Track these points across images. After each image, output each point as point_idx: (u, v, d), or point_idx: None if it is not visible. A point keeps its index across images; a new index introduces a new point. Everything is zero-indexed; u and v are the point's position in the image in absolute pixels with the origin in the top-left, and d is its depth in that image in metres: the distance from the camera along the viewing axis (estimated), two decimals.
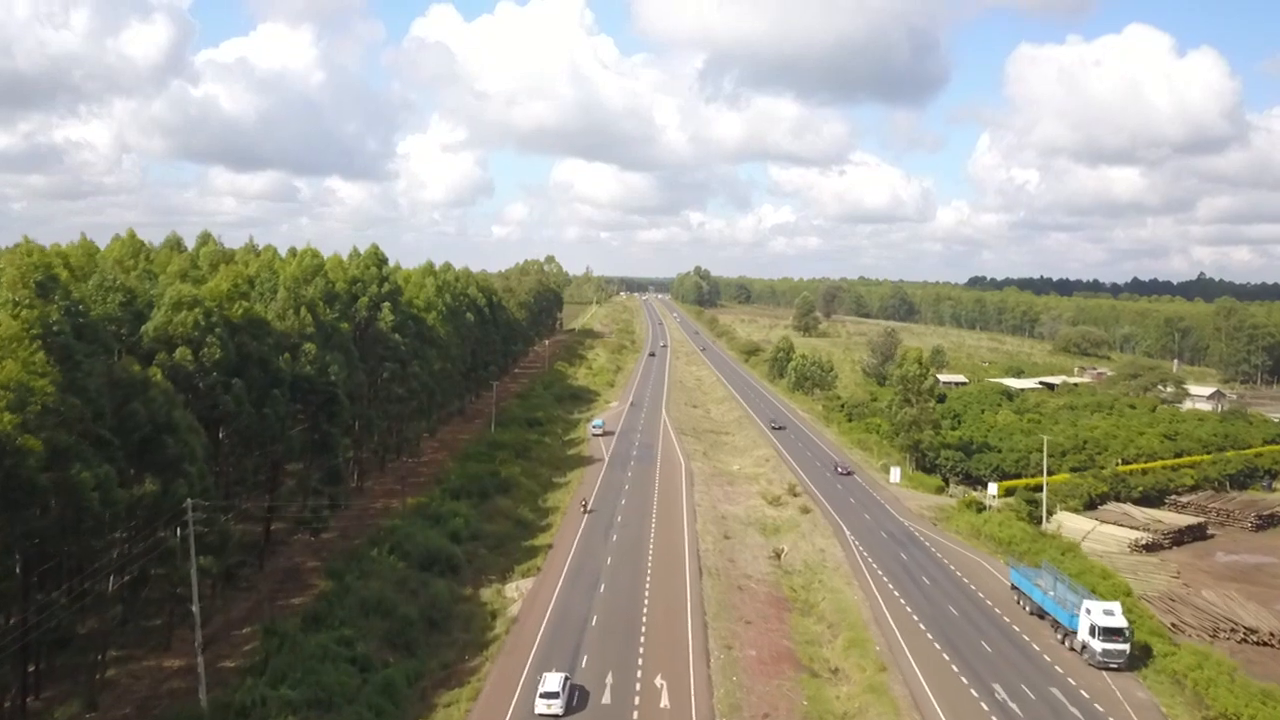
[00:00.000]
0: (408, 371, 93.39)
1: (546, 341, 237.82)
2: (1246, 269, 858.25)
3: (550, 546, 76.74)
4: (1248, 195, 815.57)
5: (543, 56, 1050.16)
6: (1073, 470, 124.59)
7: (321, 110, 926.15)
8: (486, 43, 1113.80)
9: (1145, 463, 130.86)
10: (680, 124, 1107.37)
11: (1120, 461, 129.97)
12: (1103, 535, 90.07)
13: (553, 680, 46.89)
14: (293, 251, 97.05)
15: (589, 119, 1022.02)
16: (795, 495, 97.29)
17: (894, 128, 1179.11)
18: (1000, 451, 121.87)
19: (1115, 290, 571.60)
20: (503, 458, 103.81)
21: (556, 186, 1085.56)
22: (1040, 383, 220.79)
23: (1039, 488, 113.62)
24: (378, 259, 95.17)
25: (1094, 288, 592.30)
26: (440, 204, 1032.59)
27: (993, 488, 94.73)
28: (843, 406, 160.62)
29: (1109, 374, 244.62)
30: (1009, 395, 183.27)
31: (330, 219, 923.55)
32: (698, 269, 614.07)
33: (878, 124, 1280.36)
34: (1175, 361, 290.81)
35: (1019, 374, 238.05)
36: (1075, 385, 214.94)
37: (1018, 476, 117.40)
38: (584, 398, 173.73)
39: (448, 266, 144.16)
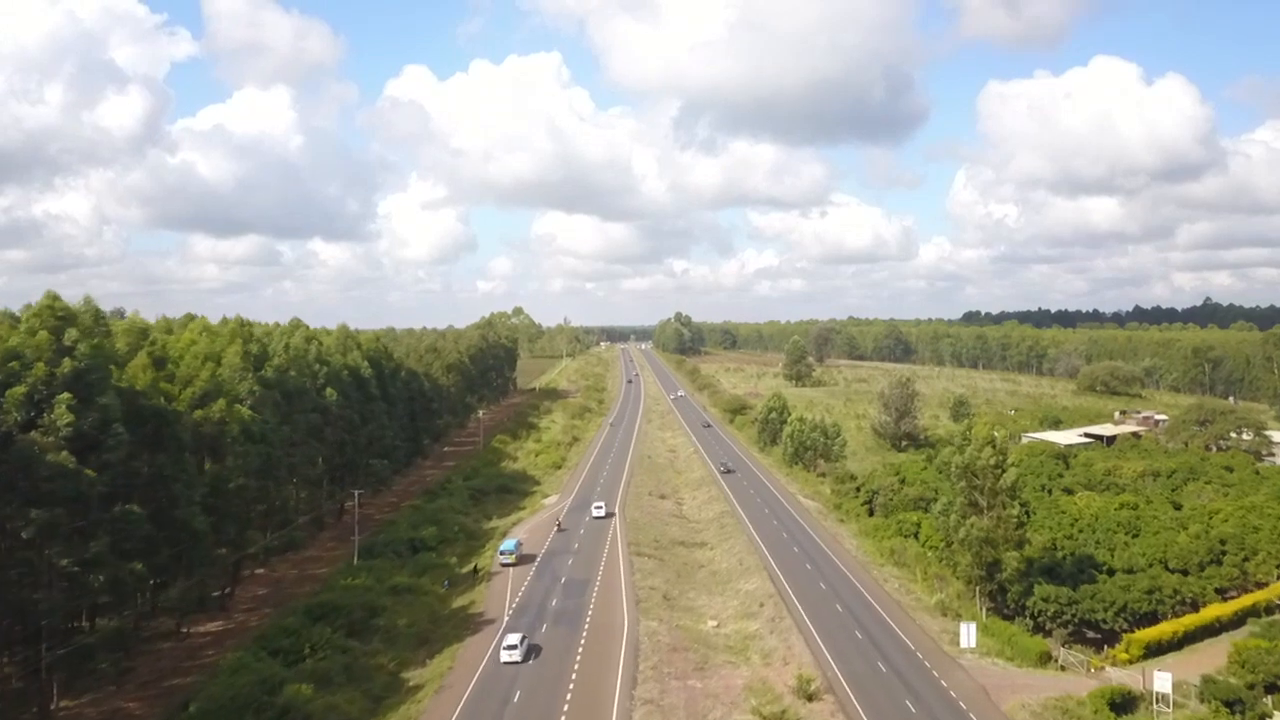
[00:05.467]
0: (93, 519, 51.55)
1: (482, 413, 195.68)
2: (1228, 293, 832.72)
3: None
4: (1226, 220, 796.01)
5: (519, 112, 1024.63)
6: (1220, 593, 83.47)
7: (300, 172, 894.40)
8: (462, 100, 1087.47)
9: None
10: (659, 173, 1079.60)
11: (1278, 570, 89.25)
12: None
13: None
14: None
15: (568, 172, 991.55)
16: (812, 699, 55.63)
17: (873, 167, 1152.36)
18: (1115, 573, 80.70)
19: (1120, 320, 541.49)
20: (317, 642, 61.91)
21: (538, 239, 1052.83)
22: (1087, 434, 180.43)
23: (1188, 635, 72.61)
24: (55, 317, 54.26)
25: (1095, 318, 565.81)
26: (424, 262, 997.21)
27: (1163, 680, 52.94)
28: (858, 489, 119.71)
29: (1160, 418, 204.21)
30: (1064, 459, 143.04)
31: (315, 281, 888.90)
32: (678, 315, 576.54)
33: (857, 164, 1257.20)
34: (1232, 398, 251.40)
35: (1057, 424, 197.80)
36: (1139, 436, 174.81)
37: (1152, 617, 76.15)
38: (516, 489, 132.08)
39: (298, 324, 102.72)
